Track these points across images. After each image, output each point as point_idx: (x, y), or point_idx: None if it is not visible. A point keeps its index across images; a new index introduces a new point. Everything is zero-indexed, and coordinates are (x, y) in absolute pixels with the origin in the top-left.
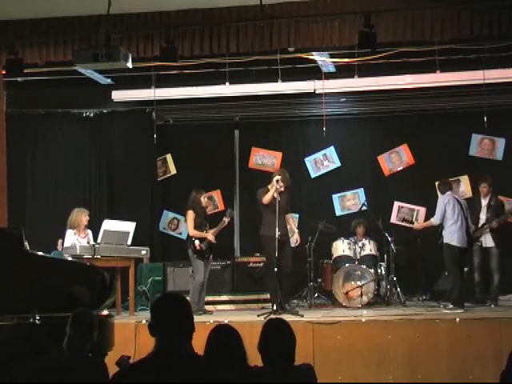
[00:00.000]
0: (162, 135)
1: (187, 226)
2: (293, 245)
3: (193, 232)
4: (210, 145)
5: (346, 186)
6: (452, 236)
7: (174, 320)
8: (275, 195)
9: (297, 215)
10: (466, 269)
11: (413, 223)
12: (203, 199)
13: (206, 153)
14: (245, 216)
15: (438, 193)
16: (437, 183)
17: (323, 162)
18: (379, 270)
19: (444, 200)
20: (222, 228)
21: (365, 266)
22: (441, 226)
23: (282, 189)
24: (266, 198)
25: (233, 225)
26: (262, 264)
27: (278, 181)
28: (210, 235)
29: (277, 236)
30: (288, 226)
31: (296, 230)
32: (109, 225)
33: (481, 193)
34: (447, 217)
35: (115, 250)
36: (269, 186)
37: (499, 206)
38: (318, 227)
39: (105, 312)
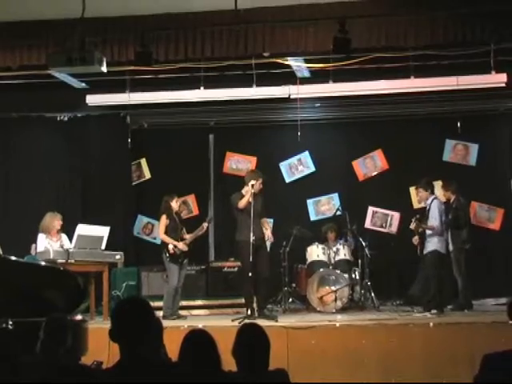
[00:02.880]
0: (136, 139)
1: (159, 231)
2: (268, 244)
3: (162, 236)
4: (184, 149)
5: (321, 190)
6: (441, 243)
7: (135, 327)
8: (250, 199)
9: (271, 220)
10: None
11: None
12: (175, 204)
13: (181, 157)
14: (219, 221)
15: (422, 192)
16: (423, 180)
17: (298, 166)
18: (353, 275)
19: (439, 204)
20: (200, 234)
21: (339, 271)
22: (421, 234)
23: (258, 188)
24: (242, 203)
25: (207, 229)
26: (236, 269)
27: (253, 185)
28: (180, 244)
29: (251, 241)
30: (264, 230)
31: (268, 229)
32: (83, 229)
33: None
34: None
35: (89, 254)
36: (243, 191)
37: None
38: (292, 232)
39: (79, 317)
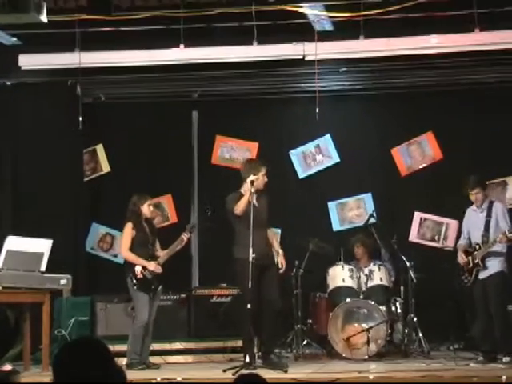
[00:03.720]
0: (90, 118)
1: (120, 245)
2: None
3: (126, 254)
4: (157, 132)
5: (348, 189)
6: (507, 261)
7: (86, 380)
8: (254, 202)
9: (278, 230)
10: None
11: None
12: (147, 208)
13: (153, 143)
14: (206, 232)
15: (480, 193)
16: (475, 179)
17: (316, 156)
18: (393, 308)
19: (503, 208)
20: (179, 249)
21: (373, 302)
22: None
23: (262, 184)
24: (239, 207)
25: (190, 245)
26: (230, 298)
27: (253, 182)
28: (151, 264)
29: (251, 259)
30: (274, 250)
31: (280, 251)
32: (14, 243)
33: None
34: None
35: (23, 278)
36: (242, 190)
37: None
38: (307, 247)
39: (7, 367)
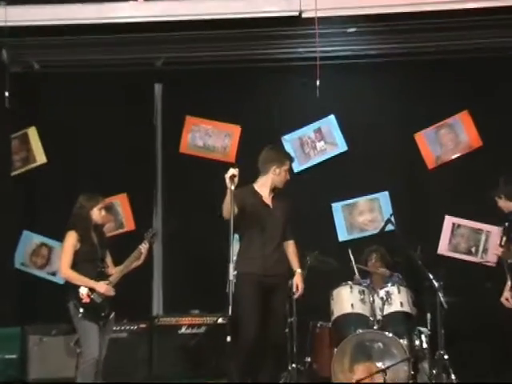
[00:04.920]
0: (20, 92)
1: (60, 261)
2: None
3: (67, 272)
4: (108, 112)
5: (358, 187)
6: None
7: None
8: (268, 203)
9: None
10: None
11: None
12: (99, 213)
13: (102, 126)
14: (173, 242)
15: (506, 202)
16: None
17: (316, 143)
18: (417, 342)
19: None
20: (137, 265)
21: (391, 334)
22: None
23: (284, 180)
24: (225, 209)
25: (151, 259)
26: (204, 329)
27: (233, 177)
28: (100, 285)
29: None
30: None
31: (298, 271)
32: None
33: None
34: None
35: None
36: (255, 186)
37: None
38: (305, 263)
39: None
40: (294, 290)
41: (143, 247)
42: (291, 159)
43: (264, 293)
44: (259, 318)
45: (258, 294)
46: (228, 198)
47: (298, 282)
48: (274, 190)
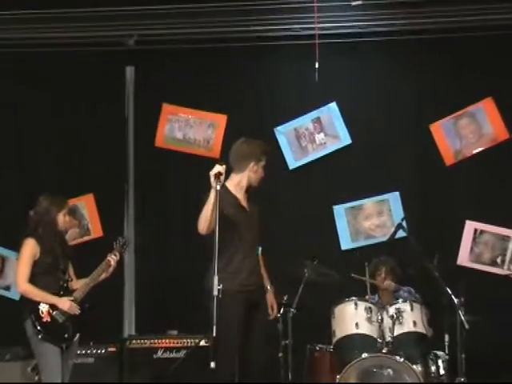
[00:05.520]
0: None
1: (17, 273)
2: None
3: (25, 286)
4: (70, 98)
5: (364, 186)
6: None
7: None
8: (244, 204)
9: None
10: None
11: None
12: (63, 218)
13: (63, 115)
14: (148, 251)
15: None
16: None
17: (314, 135)
18: (433, 367)
19: None
20: (105, 278)
21: (403, 359)
22: None
23: (258, 178)
24: (203, 221)
25: (121, 272)
26: (183, 353)
27: (219, 175)
28: (63, 301)
29: (214, 291)
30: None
31: (269, 287)
32: None
33: None
34: None
35: None
36: (228, 185)
37: None
38: (302, 275)
39: None
40: (269, 311)
41: (112, 258)
42: (270, 153)
43: (247, 311)
44: (242, 342)
45: (242, 314)
46: (206, 212)
47: (272, 301)
48: (248, 191)
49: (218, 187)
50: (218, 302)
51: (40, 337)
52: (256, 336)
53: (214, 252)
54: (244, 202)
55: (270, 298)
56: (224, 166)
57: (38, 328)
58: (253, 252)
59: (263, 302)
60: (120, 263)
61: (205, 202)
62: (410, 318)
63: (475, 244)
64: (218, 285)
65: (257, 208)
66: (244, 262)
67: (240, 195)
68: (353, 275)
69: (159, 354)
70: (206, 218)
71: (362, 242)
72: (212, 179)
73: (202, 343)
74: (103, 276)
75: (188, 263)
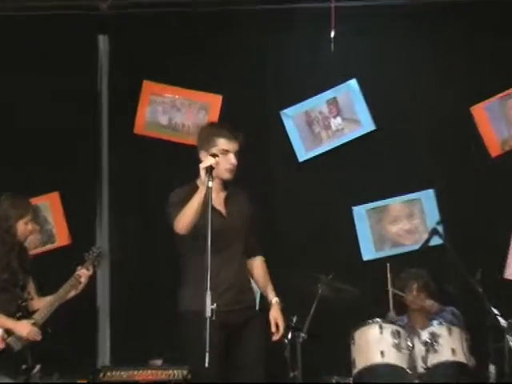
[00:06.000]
0: None
1: None
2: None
3: None
4: (31, 73)
5: (390, 183)
6: None
7: None
8: (217, 207)
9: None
10: None
11: None
12: (24, 226)
13: (22, 94)
14: (126, 264)
15: None
16: None
17: (329, 119)
18: None
19: None
20: (73, 296)
21: None
22: None
23: (229, 173)
24: (184, 219)
25: (93, 289)
26: None
27: (211, 169)
28: (22, 325)
29: (208, 313)
30: (256, 285)
31: (274, 300)
32: None
33: None
34: None
35: None
36: (198, 182)
37: None
38: (314, 291)
39: None
40: (273, 329)
41: (83, 273)
42: (232, 135)
43: (226, 335)
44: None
45: (215, 339)
46: (190, 210)
47: (276, 317)
48: (226, 187)
49: (211, 184)
50: (182, 329)
51: None
52: (246, 364)
53: (205, 262)
54: (220, 204)
55: (275, 313)
56: (218, 159)
57: None
58: (233, 264)
59: (254, 322)
60: (92, 278)
61: (183, 197)
62: (447, 344)
63: None
64: (187, 304)
65: (245, 207)
66: (219, 277)
67: (214, 195)
68: (391, 289)
69: None
70: (189, 216)
71: (388, 252)
72: (203, 174)
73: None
74: (72, 294)
75: (175, 278)
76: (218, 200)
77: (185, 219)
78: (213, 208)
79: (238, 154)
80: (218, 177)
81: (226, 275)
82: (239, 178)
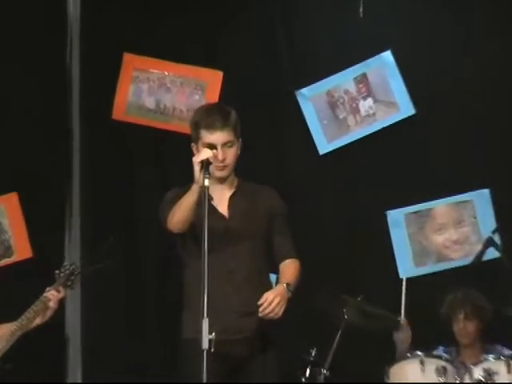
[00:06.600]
0: None
1: None
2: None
3: None
4: None
5: (434, 182)
6: None
7: None
8: (215, 205)
9: (271, 276)
10: None
11: None
12: None
13: None
14: (100, 281)
15: None
16: None
17: (358, 101)
18: None
19: None
20: (40, 324)
21: None
22: None
23: (217, 174)
24: (176, 216)
25: (62, 314)
26: None
27: (207, 163)
28: None
29: (205, 344)
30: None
31: (283, 286)
32: None
33: None
34: None
35: None
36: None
37: None
38: (339, 317)
39: None
40: (261, 301)
41: (53, 295)
42: (216, 123)
43: (228, 369)
44: None
45: (215, 372)
46: (184, 205)
47: (273, 293)
48: (233, 184)
49: (206, 182)
50: (186, 358)
51: None
52: None
53: (202, 282)
54: (222, 206)
55: (276, 290)
56: (216, 151)
57: None
58: (238, 280)
59: (263, 351)
60: (62, 302)
61: (180, 194)
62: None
63: None
64: (184, 334)
65: (259, 206)
66: (221, 298)
67: (217, 194)
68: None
69: None
70: (180, 212)
71: (432, 267)
72: (196, 169)
73: None
74: (37, 321)
75: (162, 300)
76: (223, 200)
77: (177, 215)
78: (214, 211)
79: (235, 143)
80: (212, 174)
81: (227, 295)
82: (244, 175)
